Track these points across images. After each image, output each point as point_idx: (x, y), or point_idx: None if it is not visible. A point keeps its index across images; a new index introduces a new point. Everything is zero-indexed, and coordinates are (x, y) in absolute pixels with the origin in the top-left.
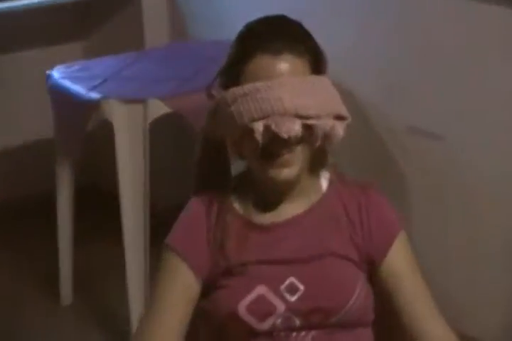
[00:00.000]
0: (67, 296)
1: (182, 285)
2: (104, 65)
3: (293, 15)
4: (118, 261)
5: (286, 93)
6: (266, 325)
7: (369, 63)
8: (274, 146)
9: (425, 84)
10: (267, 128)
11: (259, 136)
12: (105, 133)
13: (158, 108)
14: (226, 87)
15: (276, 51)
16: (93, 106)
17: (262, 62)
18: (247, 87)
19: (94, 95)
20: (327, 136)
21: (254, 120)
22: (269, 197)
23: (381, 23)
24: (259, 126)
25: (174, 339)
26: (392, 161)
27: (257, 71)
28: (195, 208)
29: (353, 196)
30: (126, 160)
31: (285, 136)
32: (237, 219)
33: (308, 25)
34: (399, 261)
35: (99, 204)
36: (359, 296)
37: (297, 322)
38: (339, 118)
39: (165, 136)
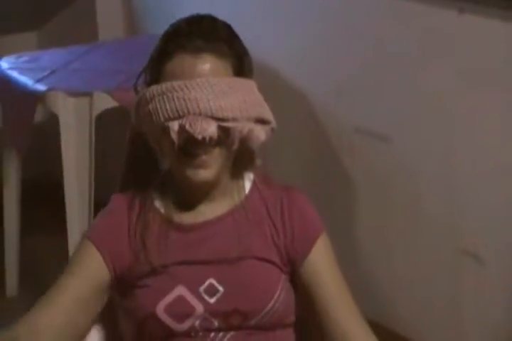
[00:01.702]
0: (13, 287)
1: (88, 271)
2: (53, 56)
3: (241, 15)
4: (63, 253)
5: (202, 93)
6: (184, 326)
7: (318, 65)
8: (191, 146)
9: (373, 86)
10: (181, 128)
11: (174, 136)
12: (54, 125)
13: (104, 101)
14: (149, 84)
15: (197, 50)
16: (39, 98)
17: (181, 61)
18: (164, 86)
19: (41, 87)
20: (245, 139)
21: (170, 119)
22: (190, 196)
23: (330, 25)
24: (173, 126)
25: (64, 318)
26: (339, 162)
27: (176, 70)
28: (117, 204)
29: (276, 197)
30: (71, 154)
31: (199, 136)
32: (158, 218)
33: (258, 26)
34: (320, 262)
35: (46, 196)
36: (279, 298)
37: (216, 323)
38: (261, 121)
39: (112, 130)
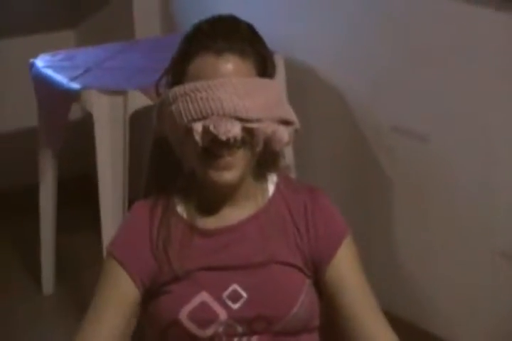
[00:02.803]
0: (49, 286)
1: (119, 294)
2: (89, 54)
3: (275, 14)
4: (98, 251)
5: (226, 94)
6: (208, 332)
7: (354, 62)
8: (215, 148)
9: (410, 83)
10: (205, 129)
11: (197, 137)
12: (89, 123)
13: (139, 100)
14: (171, 85)
15: (220, 51)
16: (74, 96)
17: (204, 61)
18: (187, 87)
19: (75, 85)
20: (269, 140)
21: (193, 120)
22: (213, 200)
23: (371, 22)
24: (197, 127)
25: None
26: (375, 161)
27: (199, 70)
28: (138, 212)
29: (299, 200)
30: (105, 152)
31: (223, 137)
32: (180, 224)
33: (293, 25)
34: (344, 266)
35: (81, 194)
36: (303, 303)
37: (239, 329)
38: (285, 122)
39: (147, 128)
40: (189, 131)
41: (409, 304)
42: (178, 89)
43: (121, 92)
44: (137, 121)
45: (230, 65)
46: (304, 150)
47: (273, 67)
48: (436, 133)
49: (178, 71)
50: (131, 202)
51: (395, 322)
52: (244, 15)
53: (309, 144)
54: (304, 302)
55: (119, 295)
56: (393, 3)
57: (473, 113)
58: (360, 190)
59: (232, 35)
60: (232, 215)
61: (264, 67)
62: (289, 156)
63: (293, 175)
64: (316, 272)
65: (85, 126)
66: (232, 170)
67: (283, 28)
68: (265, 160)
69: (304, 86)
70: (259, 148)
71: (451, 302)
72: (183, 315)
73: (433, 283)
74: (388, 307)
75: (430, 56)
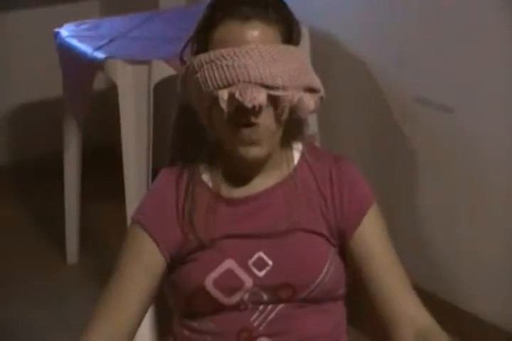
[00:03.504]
0: (73, 255)
1: (145, 262)
2: (113, 24)
3: None
4: (122, 220)
5: (252, 61)
6: (233, 300)
7: (382, 33)
8: (241, 116)
9: (437, 55)
10: (231, 96)
11: (223, 104)
12: (113, 93)
13: (163, 69)
14: (196, 53)
15: (245, 17)
16: (98, 66)
17: (229, 28)
18: (212, 54)
19: (100, 55)
20: (295, 109)
21: (219, 88)
22: (239, 170)
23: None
24: (223, 94)
25: (132, 324)
26: (399, 130)
27: (225, 37)
28: (164, 180)
29: (325, 168)
30: (129, 121)
31: (249, 105)
32: (206, 192)
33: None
34: (370, 234)
35: (108, 164)
36: (328, 271)
37: (265, 297)
38: (310, 90)
39: (171, 98)
40: (215, 98)
41: (433, 277)
42: (203, 57)
43: (146, 62)
44: (161, 91)
45: (256, 32)
46: (328, 120)
47: (298, 34)
48: (460, 104)
49: (203, 38)
50: (155, 171)
51: (417, 291)
52: None
53: (333, 114)
54: (329, 270)
55: (143, 262)
56: None
57: (497, 84)
58: (384, 160)
59: (257, 1)
60: (257, 184)
61: (290, 34)
62: (313, 125)
63: (317, 143)
64: (342, 240)
65: (109, 96)
66: (260, 145)
67: None
68: (291, 129)
69: (327, 56)
70: (285, 117)
71: (475, 275)
72: (209, 282)
73: (457, 255)
74: (410, 275)
75: (455, 28)
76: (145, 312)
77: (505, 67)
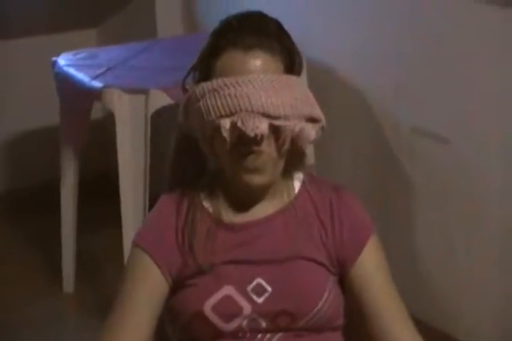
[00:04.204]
0: (69, 284)
1: (149, 285)
2: (111, 53)
3: (299, 13)
4: (119, 249)
5: (254, 90)
6: (231, 326)
7: (379, 62)
8: (242, 145)
9: (433, 85)
10: (233, 125)
11: (225, 134)
12: (111, 122)
13: (160, 99)
14: (198, 81)
15: (248, 47)
16: (95, 94)
17: (232, 57)
18: (215, 82)
19: (97, 84)
20: (296, 138)
21: (221, 117)
22: (241, 197)
23: (392, 23)
24: (225, 123)
25: (138, 339)
26: (396, 161)
27: (227, 66)
28: (164, 205)
29: (325, 197)
30: (126, 150)
31: (251, 134)
32: (206, 218)
33: (318, 25)
34: (370, 264)
35: (105, 192)
36: (327, 300)
37: (263, 324)
38: (312, 120)
39: (168, 127)
40: (217, 127)
41: (430, 306)
42: (205, 85)
43: (143, 91)
44: (158, 119)
45: (258, 62)
46: (325, 149)
47: (300, 64)
48: (456, 135)
49: (206, 67)
50: (151, 198)
51: (417, 324)
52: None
53: (330, 144)
54: (328, 298)
55: (147, 286)
56: (418, 4)
57: (494, 115)
58: (381, 190)
59: (260, 31)
60: (258, 211)
61: (292, 64)
62: (310, 155)
63: (314, 173)
64: (341, 270)
65: (107, 124)
66: (263, 173)
67: (308, 26)
68: (292, 158)
69: (323, 85)
70: (286, 147)
71: (475, 304)
72: (207, 308)
73: (456, 284)
74: (408, 308)
75: (452, 58)
76: (150, 337)
77: (501, 97)
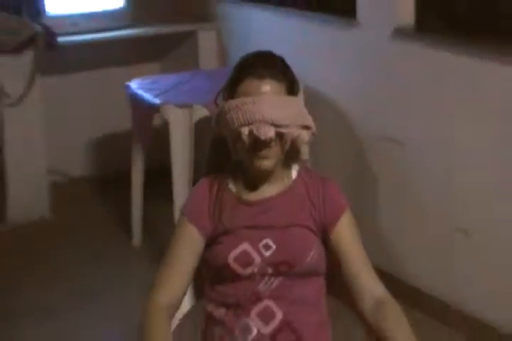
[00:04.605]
0: (138, 239)
1: (190, 245)
2: (167, 80)
3: (302, 53)
4: (172, 216)
5: (265, 107)
6: (247, 272)
7: (357, 91)
8: (256, 146)
9: (395, 107)
10: (250, 132)
11: (245, 138)
12: (167, 128)
13: (200, 111)
14: (226, 100)
15: (261, 76)
16: (156, 109)
17: (249, 84)
18: (238, 101)
19: (157, 101)
20: (294, 141)
21: (242, 125)
22: (255, 181)
23: (363, 69)
24: (245, 130)
25: (182, 290)
26: (366, 160)
27: (246, 90)
28: (201, 187)
29: (315, 185)
30: (177, 148)
31: (263, 138)
32: (231, 196)
33: (311, 61)
34: (345, 230)
35: (162, 176)
36: (314, 254)
37: (269, 270)
38: (306, 127)
39: (205, 131)
40: (239, 133)
41: (387, 259)
42: (231, 103)
43: (189, 106)
44: (199, 126)
45: (268, 87)
46: (317, 151)
47: (298, 88)
48: (410, 141)
49: (231, 90)
50: (194, 181)
51: (377, 271)
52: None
53: (319, 145)
54: (314, 253)
55: (188, 243)
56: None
57: (438, 127)
58: (356, 180)
59: (269, 65)
60: (266, 192)
61: (292, 88)
62: (305, 153)
63: (308, 166)
64: (324, 234)
65: (163, 130)
66: (269, 160)
67: (302, 62)
68: (290, 155)
69: (315, 104)
70: (287, 146)
71: (416, 259)
72: (231, 258)
73: (405, 244)
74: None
75: (410, 92)
76: (190, 280)
77: (445, 116)
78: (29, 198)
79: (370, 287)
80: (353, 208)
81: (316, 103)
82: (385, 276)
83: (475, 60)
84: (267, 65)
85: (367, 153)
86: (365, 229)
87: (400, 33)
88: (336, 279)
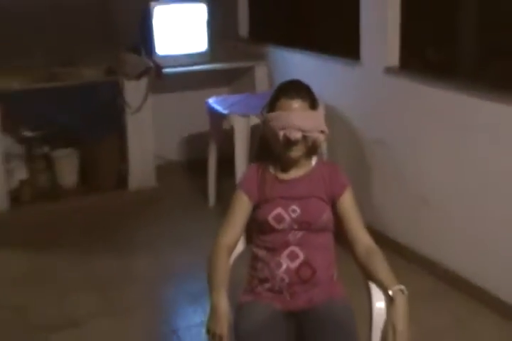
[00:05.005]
0: (212, 201)
1: (243, 207)
2: (233, 98)
3: (332, 87)
4: (234, 187)
5: (295, 118)
6: (280, 226)
7: (358, 110)
8: (289, 144)
9: (386, 122)
10: (284, 134)
11: (280, 138)
12: (232, 131)
13: (254, 120)
14: (268, 112)
15: (292, 97)
16: (225, 117)
17: (285, 102)
18: (277, 113)
19: (226, 112)
20: (314, 141)
21: (279, 130)
22: (286, 166)
23: (364, 95)
24: (281, 133)
25: (237, 236)
26: (365, 155)
27: (282, 106)
28: (252, 169)
29: (327, 169)
30: (239, 145)
31: (292, 139)
32: (270, 176)
33: (326, 86)
34: (346, 201)
35: (228, 164)
36: (325, 216)
37: (295, 226)
38: (323, 132)
39: (256, 133)
40: (277, 135)
41: (375, 218)
42: (272, 115)
43: (247, 116)
44: (253, 129)
45: (297, 104)
46: (332, 148)
47: (317, 104)
48: (392, 142)
49: (272, 106)
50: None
51: (368, 228)
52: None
53: (333, 145)
54: (325, 216)
55: (242, 206)
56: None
57: (411, 134)
58: (357, 169)
59: (299, 89)
60: (294, 173)
61: (313, 105)
62: (323, 148)
63: (325, 158)
64: (333, 203)
65: (230, 132)
66: (297, 152)
67: (324, 88)
68: (311, 150)
69: (332, 117)
70: (309, 144)
71: (397, 216)
72: (270, 217)
73: (388, 209)
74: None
75: (395, 113)
76: (243, 230)
77: (415, 138)
78: (142, 174)
79: (362, 238)
80: (354, 187)
81: (332, 116)
82: (374, 232)
83: (442, 91)
84: (295, 89)
85: (365, 150)
86: (361, 200)
87: (389, 70)
88: (340, 234)
